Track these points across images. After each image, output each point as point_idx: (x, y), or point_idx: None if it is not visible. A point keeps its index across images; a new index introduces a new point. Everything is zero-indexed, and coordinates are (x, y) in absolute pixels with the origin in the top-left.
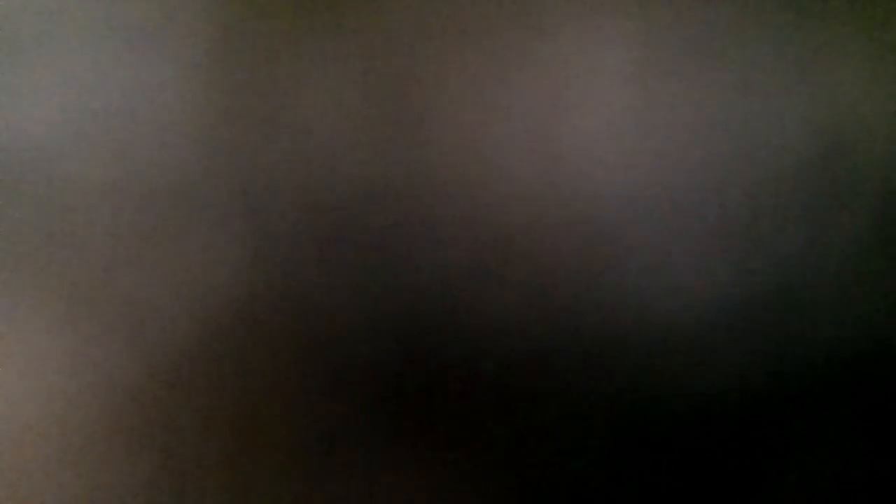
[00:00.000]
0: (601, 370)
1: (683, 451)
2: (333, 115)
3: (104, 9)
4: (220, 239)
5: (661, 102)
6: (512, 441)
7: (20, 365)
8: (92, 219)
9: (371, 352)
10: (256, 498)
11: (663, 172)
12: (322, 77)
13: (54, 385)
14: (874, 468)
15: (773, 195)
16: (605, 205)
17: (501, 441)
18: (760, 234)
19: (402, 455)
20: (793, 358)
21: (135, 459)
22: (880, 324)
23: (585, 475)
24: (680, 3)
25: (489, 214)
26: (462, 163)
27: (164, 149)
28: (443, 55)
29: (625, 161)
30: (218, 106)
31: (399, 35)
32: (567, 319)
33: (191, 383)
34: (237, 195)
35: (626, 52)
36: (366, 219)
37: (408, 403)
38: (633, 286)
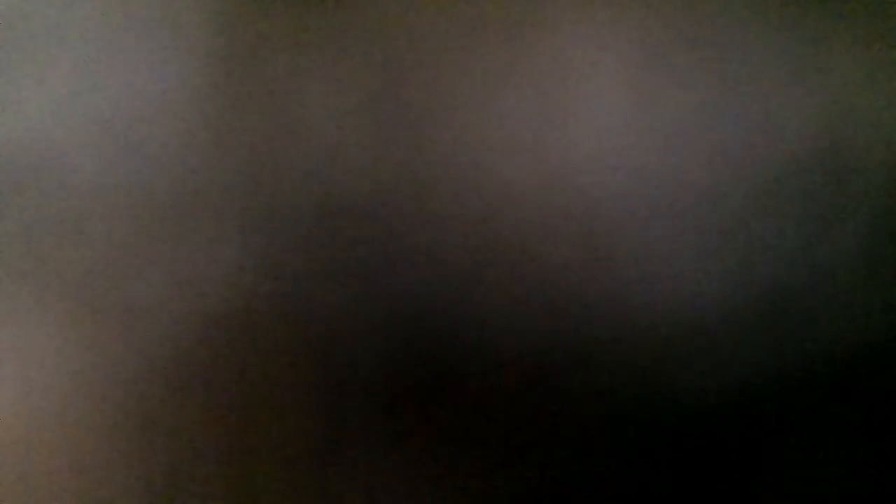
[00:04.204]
0: (601, 370)
1: (683, 451)
2: (334, 115)
3: (104, 9)
4: (220, 239)
5: (660, 103)
6: (512, 441)
7: (20, 365)
8: (92, 219)
9: (371, 352)
10: (256, 498)
11: (663, 172)
12: (322, 77)
13: (54, 385)
14: (874, 468)
15: (773, 195)
16: (605, 205)
17: (501, 441)
18: (760, 234)
19: (402, 455)
20: (793, 358)
21: (135, 459)
22: (880, 324)
23: (586, 475)
24: (680, 3)
25: (489, 215)
26: (462, 163)
27: (163, 149)
28: (443, 55)
29: (625, 161)
30: (218, 106)
31: (399, 36)
32: (567, 319)
33: (190, 383)
34: (237, 195)
35: (626, 52)
36: (366, 219)
37: (408, 403)
38: (632, 286)
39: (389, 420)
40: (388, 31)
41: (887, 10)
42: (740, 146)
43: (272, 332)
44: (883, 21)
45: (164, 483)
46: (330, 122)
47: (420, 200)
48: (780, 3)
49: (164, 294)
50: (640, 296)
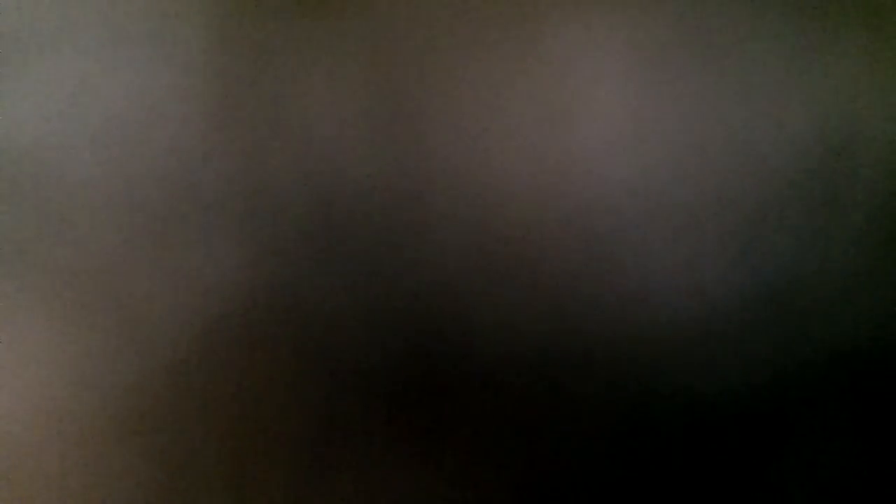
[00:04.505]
0: (601, 370)
1: (684, 451)
2: (333, 115)
3: (104, 9)
4: (219, 239)
5: (661, 103)
6: (512, 441)
7: (20, 365)
8: (92, 219)
9: (371, 352)
10: (256, 498)
11: (663, 173)
12: (322, 78)
13: (54, 385)
14: (874, 468)
15: (774, 195)
16: (606, 205)
17: (501, 441)
18: (760, 234)
19: (402, 455)
20: (793, 357)
21: (135, 459)
22: (880, 324)
23: (585, 474)
24: (680, 3)
25: (489, 214)
26: (462, 163)
27: (163, 149)
28: (443, 56)
29: (625, 162)
30: (218, 106)
31: (400, 36)
32: (567, 319)
33: (191, 383)
34: (237, 196)
35: (626, 53)
36: (366, 219)
37: (407, 403)
38: (632, 286)
39: (389, 419)
40: (389, 32)
41: (887, 10)
42: (741, 147)
43: (272, 331)
44: (883, 21)
45: (164, 482)
46: (330, 122)
47: (420, 201)
48: (781, 3)
49: (164, 293)
50: (641, 295)
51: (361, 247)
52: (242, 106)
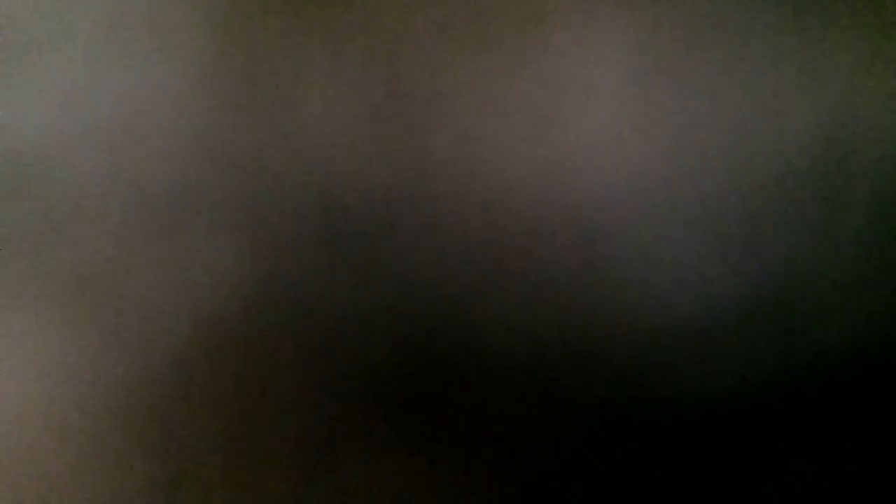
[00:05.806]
0: (601, 370)
1: (683, 451)
2: (333, 115)
3: (104, 9)
4: (219, 239)
5: (660, 103)
6: (512, 441)
7: (20, 365)
8: (92, 219)
9: (371, 352)
10: (256, 498)
11: (663, 173)
12: (322, 77)
13: (54, 385)
14: (874, 468)
15: (773, 195)
16: (605, 205)
17: (501, 441)
18: (760, 234)
19: (402, 455)
20: (793, 358)
21: (135, 459)
22: (880, 324)
23: (585, 474)
24: (680, 3)
25: (489, 215)
26: (462, 163)
27: (163, 149)
28: (443, 55)
29: (624, 161)
30: (218, 106)
31: (399, 36)
32: (567, 319)
33: (191, 383)
34: (237, 195)
35: (625, 52)
36: (366, 219)
37: (407, 403)
38: (632, 286)
39: (389, 419)
40: (389, 31)
41: (887, 11)
42: (741, 147)
43: (272, 331)
44: (883, 21)
45: (164, 483)
46: (330, 121)
47: (420, 200)
48: (781, 3)
49: (164, 292)
50: (641, 296)
51: (361, 245)
52: (243, 105)
